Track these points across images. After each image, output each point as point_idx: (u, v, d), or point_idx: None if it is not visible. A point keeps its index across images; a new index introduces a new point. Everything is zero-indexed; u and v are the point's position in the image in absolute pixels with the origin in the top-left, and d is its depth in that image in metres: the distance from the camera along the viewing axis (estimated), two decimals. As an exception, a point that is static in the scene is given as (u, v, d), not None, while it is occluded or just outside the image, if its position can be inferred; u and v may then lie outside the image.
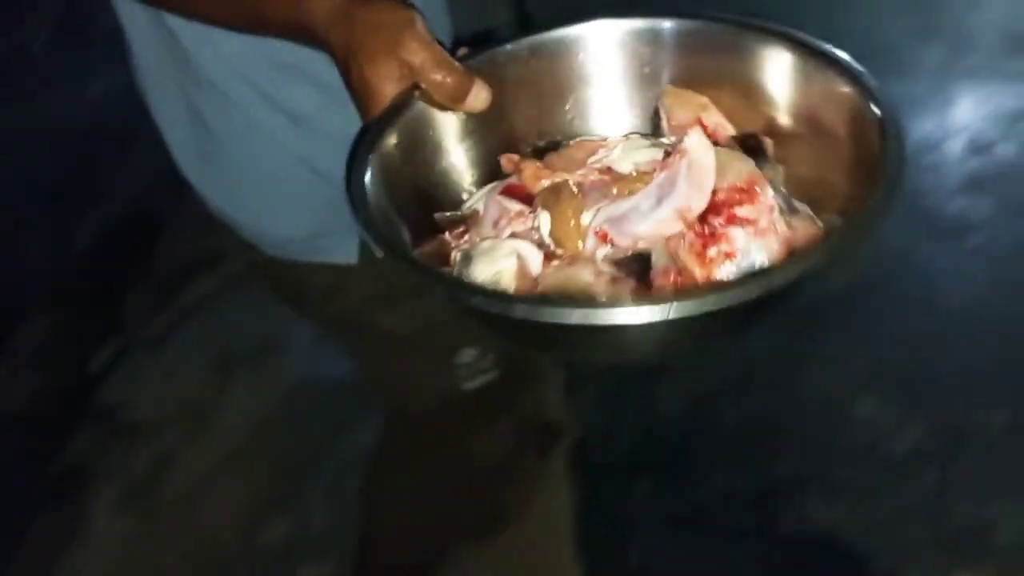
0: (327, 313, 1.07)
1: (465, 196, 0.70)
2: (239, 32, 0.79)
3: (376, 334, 1.06)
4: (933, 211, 1.95)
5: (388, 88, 0.65)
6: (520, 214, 0.65)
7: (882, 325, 1.77)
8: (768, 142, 0.68)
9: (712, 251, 0.59)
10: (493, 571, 1.31)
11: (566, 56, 0.71)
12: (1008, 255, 1.85)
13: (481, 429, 1.17)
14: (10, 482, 1.74)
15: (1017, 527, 1.48)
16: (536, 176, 0.67)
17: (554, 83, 0.72)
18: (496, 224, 0.66)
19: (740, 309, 0.52)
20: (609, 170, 0.67)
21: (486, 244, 0.64)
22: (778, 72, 0.67)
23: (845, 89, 0.63)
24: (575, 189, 0.64)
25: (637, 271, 0.60)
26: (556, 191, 0.65)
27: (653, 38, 0.70)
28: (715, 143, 0.64)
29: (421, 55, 0.65)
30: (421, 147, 0.67)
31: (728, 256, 0.59)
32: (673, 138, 0.69)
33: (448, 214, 0.68)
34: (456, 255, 0.65)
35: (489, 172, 0.70)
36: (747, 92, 0.68)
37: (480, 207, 0.68)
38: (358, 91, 0.66)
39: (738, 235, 0.59)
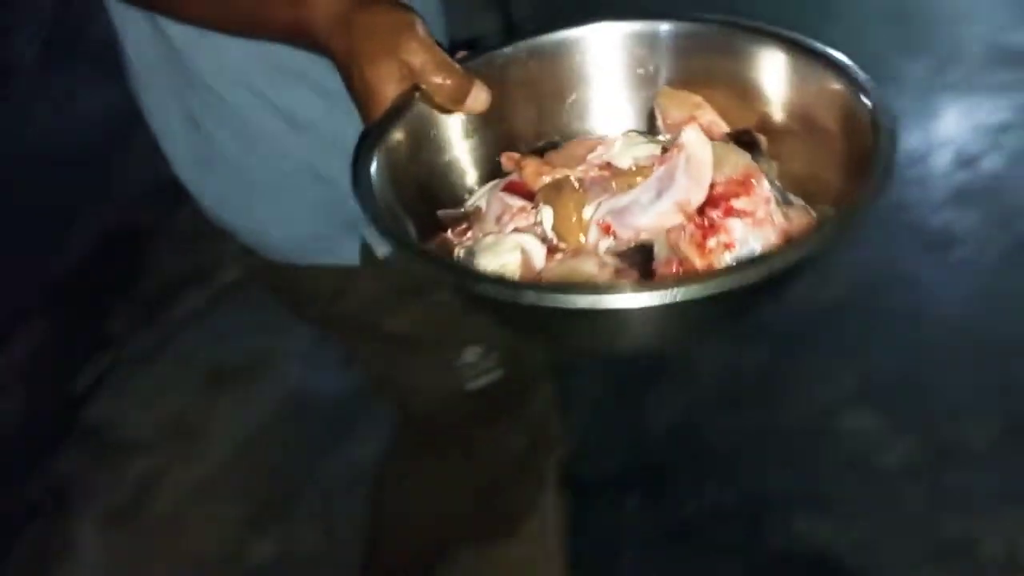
0: (330, 316, 1.07)
1: (466, 196, 0.71)
2: (237, 37, 0.78)
3: (379, 335, 1.06)
4: (919, 224, 1.96)
5: (389, 89, 0.65)
6: (523, 209, 0.66)
7: (869, 339, 1.78)
8: (762, 138, 0.69)
9: (712, 242, 0.60)
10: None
11: (564, 58, 0.73)
12: (994, 267, 1.87)
13: (485, 430, 1.18)
14: (-4, 500, 1.74)
15: (1006, 541, 1.48)
16: (537, 173, 0.68)
17: (553, 85, 0.73)
18: (499, 220, 0.67)
19: (743, 292, 0.53)
20: (609, 165, 0.68)
21: (490, 239, 0.65)
22: (772, 71, 0.69)
23: (837, 86, 0.65)
24: (576, 184, 0.66)
25: (640, 262, 0.61)
26: (558, 186, 0.66)
27: (651, 40, 0.72)
28: (710, 139, 0.65)
29: (422, 57, 0.65)
30: (425, 146, 0.68)
31: (727, 247, 0.60)
32: (668, 136, 0.71)
33: (451, 211, 0.69)
34: (459, 251, 0.66)
35: (489, 172, 0.71)
36: (742, 91, 0.70)
37: (483, 204, 0.69)
38: (359, 93, 0.66)
39: (736, 226, 0.61)
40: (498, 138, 0.71)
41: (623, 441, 1.69)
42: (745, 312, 0.61)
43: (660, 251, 0.61)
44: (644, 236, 0.62)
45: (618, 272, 0.61)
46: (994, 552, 1.47)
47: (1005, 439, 1.59)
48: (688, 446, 1.67)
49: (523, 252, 0.63)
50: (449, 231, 0.68)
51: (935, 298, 1.83)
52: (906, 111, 2.16)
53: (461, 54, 0.71)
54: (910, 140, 2.11)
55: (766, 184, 0.63)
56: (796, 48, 0.68)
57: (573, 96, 0.73)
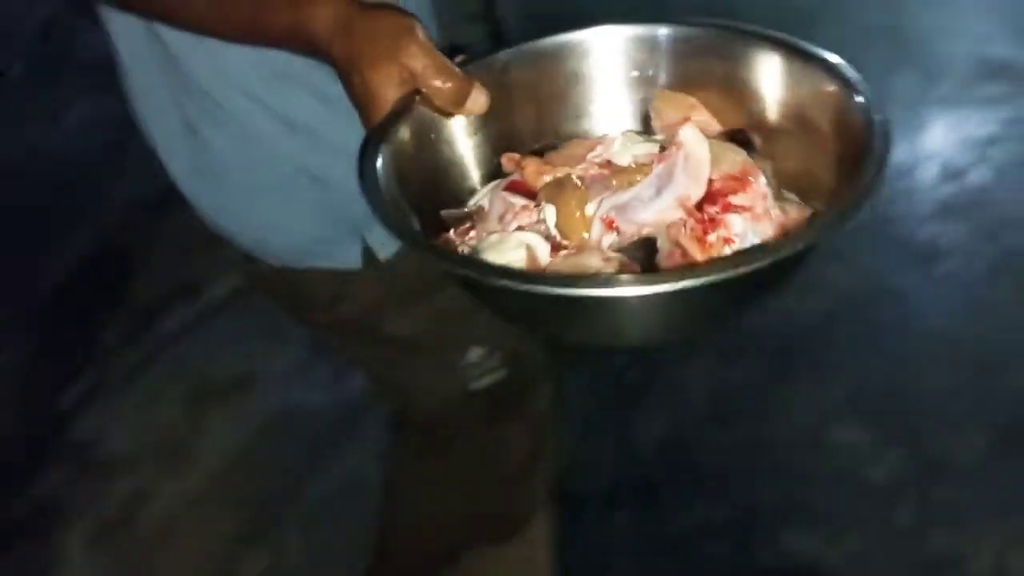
0: (330, 320, 1.07)
1: (468, 196, 0.72)
2: (237, 43, 0.78)
3: (380, 338, 1.07)
4: (906, 237, 1.97)
5: (390, 93, 0.66)
6: (525, 208, 0.67)
7: (857, 352, 1.78)
8: (755, 137, 0.70)
9: (712, 236, 0.61)
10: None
11: (563, 61, 0.74)
12: (981, 280, 1.87)
13: (487, 431, 1.18)
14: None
15: (995, 554, 1.48)
16: (538, 172, 0.69)
17: (552, 87, 0.74)
18: (502, 219, 0.67)
19: (752, 278, 0.54)
20: (609, 164, 0.69)
21: (494, 237, 0.65)
22: (767, 72, 0.70)
23: (830, 86, 0.66)
24: (578, 182, 0.67)
25: (643, 256, 0.62)
26: (560, 184, 0.66)
27: (650, 44, 0.73)
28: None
29: (422, 60, 0.66)
30: (427, 147, 0.69)
31: (727, 241, 0.61)
32: (663, 135, 0.72)
33: (454, 211, 0.70)
34: (464, 250, 0.67)
35: (490, 174, 0.72)
36: (738, 92, 0.71)
37: (485, 203, 0.69)
38: (360, 97, 0.67)
39: (735, 221, 0.62)
40: (499, 139, 0.72)
41: (613, 456, 1.69)
42: (750, 301, 0.62)
43: (663, 245, 0.63)
44: (646, 231, 0.63)
45: (622, 267, 0.62)
46: (983, 566, 1.47)
47: (994, 452, 1.60)
48: (678, 461, 1.67)
49: (528, 249, 0.64)
50: (452, 231, 0.69)
51: (922, 311, 1.84)
52: (893, 124, 2.17)
53: (460, 58, 0.71)
54: (896, 153, 2.11)
55: (763, 180, 0.64)
56: (790, 49, 0.69)
57: (572, 99, 0.74)
